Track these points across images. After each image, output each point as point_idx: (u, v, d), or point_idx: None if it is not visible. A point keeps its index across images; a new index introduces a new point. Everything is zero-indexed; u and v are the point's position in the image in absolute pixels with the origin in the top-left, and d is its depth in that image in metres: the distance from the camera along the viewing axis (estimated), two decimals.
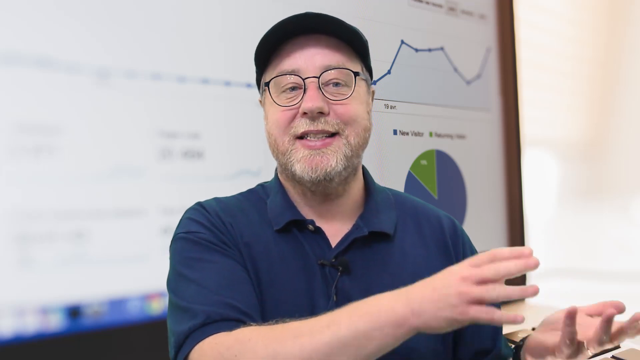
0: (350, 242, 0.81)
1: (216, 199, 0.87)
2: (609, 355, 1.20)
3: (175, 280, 0.78)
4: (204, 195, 1.11)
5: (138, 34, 1.07)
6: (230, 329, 0.70)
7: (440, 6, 1.48)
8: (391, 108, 1.36)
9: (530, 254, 0.63)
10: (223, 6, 1.16)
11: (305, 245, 0.81)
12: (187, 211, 0.85)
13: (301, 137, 0.79)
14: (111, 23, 1.04)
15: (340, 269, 0.79)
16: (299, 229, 0.82)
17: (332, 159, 0.78)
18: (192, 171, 1.11)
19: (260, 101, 0.88)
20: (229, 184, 1.15)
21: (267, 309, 0.77)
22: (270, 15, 1.19)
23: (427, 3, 1.45)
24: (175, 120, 1.10)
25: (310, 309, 0.77)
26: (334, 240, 0.81)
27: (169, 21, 1.10)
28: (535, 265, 0.63)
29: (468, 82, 1.53)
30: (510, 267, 0.62)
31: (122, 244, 1.03)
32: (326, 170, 0.78)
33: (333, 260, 0.79)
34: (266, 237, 0.81)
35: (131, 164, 1.05)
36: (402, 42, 1.39)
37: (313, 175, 0.78)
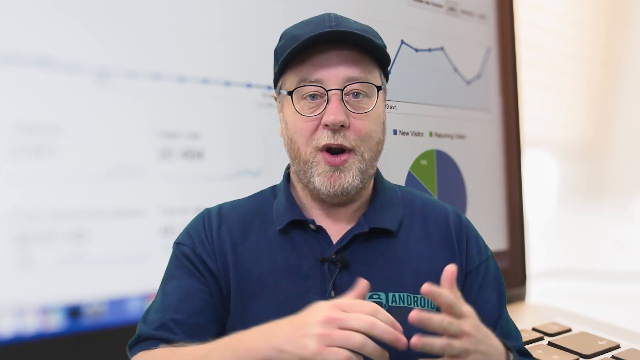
0: (351, 239, 0.82)
1: (222, 207, 0.89)
2: (609, 355, 1.20)
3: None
4: (204, 195, 1.12)
5: (138, 34, 1.07)
6: (152, 347, 0.77)
7: (440, 6, 1.48)
8: (391, 108, 1.36)
9: (404, 345, 0.64)
10: (223, 6, 1.16)
11: (306, 245, 0.83)
12: (195, 216, 0.89)
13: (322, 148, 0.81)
14: (111, 23, 1.04)
15: (339, 265, 0.80)
16: (302, 229, 0.84)
17: (349, 175, 0.81)
18: (192, 171, 1.11)
19: (275, 97, 0.89)
20: (229, 184, 1.15)
21: (260, 313, 0.79)
22: (270, 15, 1.20)
23: (427, 3, 1.45)
24: (175, 120, 1.10)
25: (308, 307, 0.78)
26: (336, 239, 0.83)
27: (169, 21, 1.10)
28: (404, 346, 0.64)
29: (468, 82, 1.53)
30: (382, 330, 0.64)
31: (122, 244, 1.03)
32: (344, 186, 0.81)
33: (333, 256, 0.81)
34: (263, 241, 0.84)
35: (131, 164, 1.05)
36: (402, 42, 1.39)
37: (331, 191, 0.81)
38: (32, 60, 0.96)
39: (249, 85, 1.18)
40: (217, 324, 0.81)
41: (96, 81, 1.02)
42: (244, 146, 1.17)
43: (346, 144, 0.80)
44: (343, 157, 0.81)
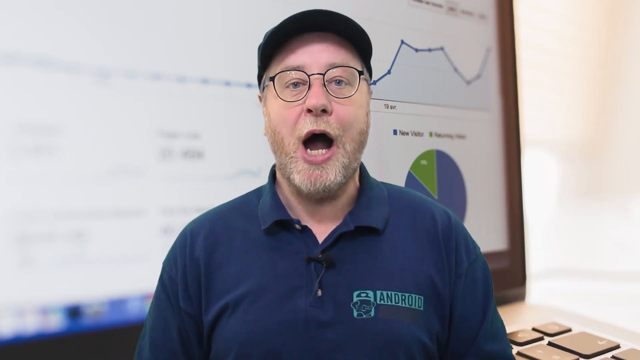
0: (337, 238, 0.82)
1: (204, 218, 0.89)
2: (609, 355, 1.20)
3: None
4: (204, 195, 1.12)
5: (138, 34, 1.07)
6: None
7: (440, 6, 1.48)
8: (391, 108, 1.36)
9: None
10: (223, 6, 1.16)
11: (291, 245, 0.82)
12: (179, 233, 0.89)
13: (305, 140, 0.80)
14: (111, 23, 1.04)
15: (325, 264, 0.80)
16: (287, 229, 0.83)
17: (332, 172, 0.79)
18: (192, 171, 1.11)
19: (260, 97, 0.89)
20: (229, 184, 1.15)
21: (247, 316, 0.79)
22: (270, 15, 1.20)
23: (427, 3, 1.45)
24: (175, 120, 1.10)
25: (292, 309, 0.78)
26: (321, 238, 0.82)
27: (169, 21, 1.10)
28: None
29: (468, 82, 1.53)
30: None
31: (122, 244, 1.03)
32: (325, 184, 0.79)
33: (319, 256, 0.80)
34: (248, 243, 0.84)
35: (131, 164, 1.05)
36: (402, 42, 1.39)
37: (312, 189, 0.80)
38: (32, 60, 0.96)
39: (249, 85, 1.18)
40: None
41: (96, 81, 1.02)
42: (244, 146, 1.17)
43: (329, 130, 0.79)
44: (326, 154, 0.79)
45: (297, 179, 0.80)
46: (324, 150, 0.80)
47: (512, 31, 1.66)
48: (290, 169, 0.80)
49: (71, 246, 0.98)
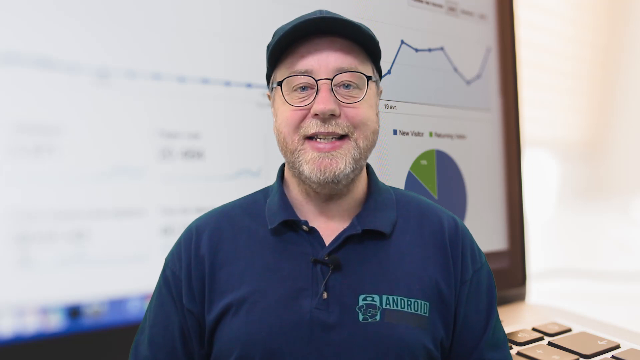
0: (344, 240, 0.81)
1: (210, 216, 0.89)
2: (609, 355, 1.20)
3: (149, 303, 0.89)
4: (204, 195, 1.12)
5: (138, 34, 1.07)
6: None
7: (440, 6, 1.48)
8: (391, 108, 1.36)
9: None
10: (223, 6, 1.16)
11: (298, 246, 0.82)
12: (184, 231, 0.89)
13: (311, 137, 0.80)
14: (111, 23, 1.04)
15: (332, 266, 0.79)
16: (294, 230, 0.83)
17: (342, 162, 0.79)
18: (192, 171, 1.11)
19: (269, 95, 0.89)
20: (229, 184, 1.15)
21: (251, 317, 0.79)
22: (270, 15, 1.20)
23: (427, 3, 1.45)
24: (175, 120, 1.10)
25: (297, 310, 0.78)
26: (329, 240, 0.82)
27: (169, 21, 1.10)
28: None
29: (468, 82, 1.53)
30: None
31: (122, 244, 1.03)
32: (335, 172, 0.79)
33: (325, 258, 0.80)
34: (254, 243, 0.83)
35: (131, 164, 1.05)
36: (402, 42, 1.39)
37: (321, 177, 0.79)
38: (32, 60, 0.96)
39: (249, 85, 1.18)
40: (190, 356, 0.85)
41: (96, 81, 1.02)
42: (244, 146, 1.17)
43: (339, 130, 0.79)
44: (336, 143, 0.79)
45: (306, 169, 0.80)
46: (334, 138, 0.80)
47: (512, 31, 1.66)
48: (300, 161, 0.80)
49: (71, 246, 0.98)
